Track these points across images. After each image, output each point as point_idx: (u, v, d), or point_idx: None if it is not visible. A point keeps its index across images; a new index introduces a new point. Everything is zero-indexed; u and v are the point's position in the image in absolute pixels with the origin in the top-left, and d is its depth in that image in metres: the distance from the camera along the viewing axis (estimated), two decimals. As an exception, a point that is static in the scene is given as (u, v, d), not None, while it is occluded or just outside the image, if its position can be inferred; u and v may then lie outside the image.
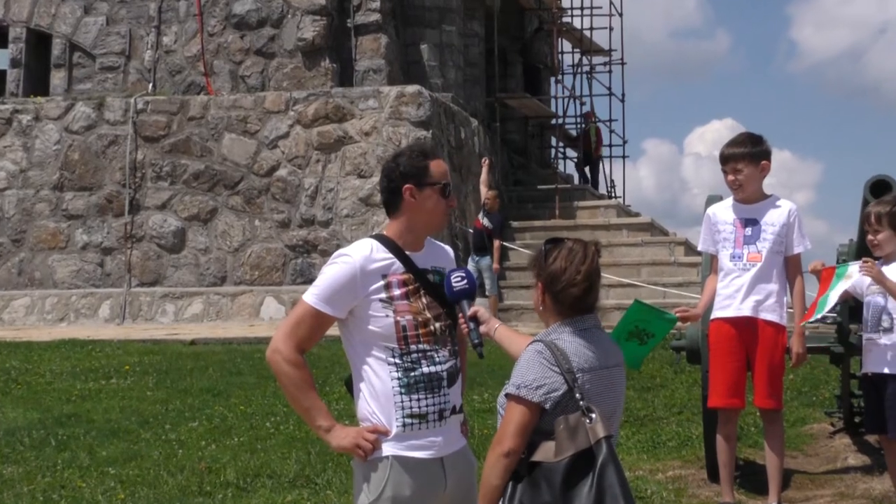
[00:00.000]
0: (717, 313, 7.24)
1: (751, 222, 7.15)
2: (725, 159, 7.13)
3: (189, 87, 21.32)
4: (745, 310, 7.10)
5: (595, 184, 26.41)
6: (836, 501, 7.69)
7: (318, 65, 20.79)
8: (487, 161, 19.34)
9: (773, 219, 7.12)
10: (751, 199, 7.19)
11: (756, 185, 7.16)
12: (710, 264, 7.44)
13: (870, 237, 6.94)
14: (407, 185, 4.24)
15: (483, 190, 18.55)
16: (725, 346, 7.19)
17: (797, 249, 7.15)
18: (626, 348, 6.13)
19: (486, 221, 17.84)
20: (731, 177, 7.12)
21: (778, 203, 7.19)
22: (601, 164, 27.22)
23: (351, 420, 4.43)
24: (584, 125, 26.46)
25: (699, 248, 7.58)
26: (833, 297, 6.95)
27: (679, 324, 6.86)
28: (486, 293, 17.47)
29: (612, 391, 4.02)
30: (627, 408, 9.49)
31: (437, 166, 4.29)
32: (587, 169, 26.90)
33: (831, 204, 72.16)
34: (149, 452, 9.42)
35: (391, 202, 4.30)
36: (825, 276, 7.04)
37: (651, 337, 6.27)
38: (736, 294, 7.13)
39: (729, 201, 7.33)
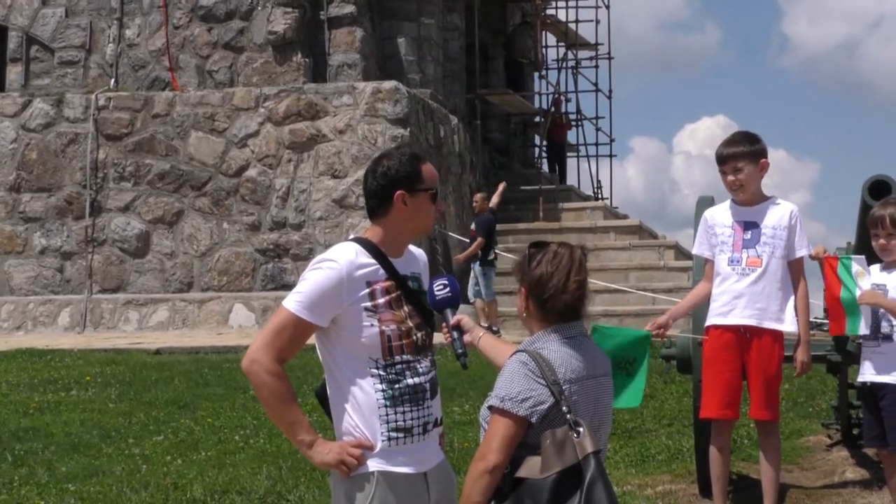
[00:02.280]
0: (714, 320, 7.09)
1: (750, 225, 7.03)
2: (724, 159, 6.98)
3: (153, 82, 21.13)
4: (745, 318, 6.96)
5: (563, 176, 26.35)
6: (833, 517, 7.68)
7: (290, 59, 20.63)
8: (503, 185, 19.34)
9: (774, 221, 7.00)
10: (750, 200, 7.06)
11: (756, 185, 7.05)
12: (703, 269, 7.28)
13: (882, 241, 6.81)
14: (399, 191, 4.18)
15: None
16: (721, 355, 7.05)
17: (800, 253, 7.03)
18: (616, 386, 5.80)
19: (473, 224, 17.87)
20: (731, 177, 6.97)
21: (778, 204, 7.08)
22: (565, 153, 27.21)
23: (324, 434, 4.33)
24: (553, 111, 26.07)
25: (693, 252, 7.45)
26: (863, 321, 6.81)
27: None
28: (483, 297, 17.55)
29: (599, 402, 3.99)
30: (615, 419, 9.46)
31: (429, 170, 4.24)
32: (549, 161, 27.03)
33: (828, 205, 71.98)
34: (111, 468, 9.35)
35: (379, 207, 4.23)
36: (829, 268, 6.94)
37: (632, 363, 6.14)
38: (735, 301, 7.00)
39: (726, 204, 7.19)
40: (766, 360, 6.99)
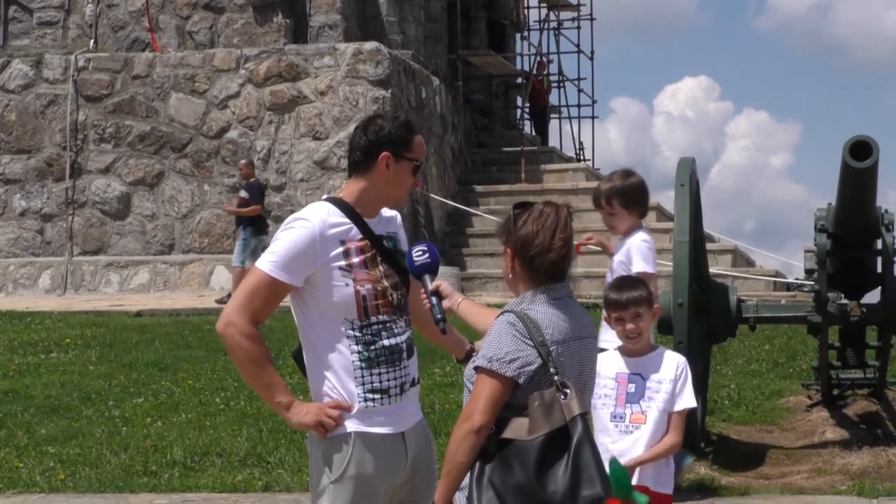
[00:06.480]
0: None
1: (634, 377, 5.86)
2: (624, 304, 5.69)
3: (133, 43, 20.93)
4: None
5: (546, 140, 26.30)
6: (814, 477, 7.76)
7: (271, 20, 20.42)
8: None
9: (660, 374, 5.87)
10: (639, 350, 5.90)
11: (648, 333, 5.98)
12: None
13: (606, 222, 6.66)
14: (385, 152, 4.14)
15: None
16: None
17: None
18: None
19: (244, 191, 17.07)
20: (630, 325, 5.64)
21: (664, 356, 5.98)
22: (549, 116, 27.12)
23: (304, 396, 4.32)
24: (536, 74, 25.83)
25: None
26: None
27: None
28: (237, 263, 16.54)
29: (584, 364, 3.98)
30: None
31: (419, 142, 4.23)
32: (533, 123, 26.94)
33: (810, 167, 71.86)
34: (91, 430, 9.39)
35: (361, 162, 4.17)
36: None
37: None
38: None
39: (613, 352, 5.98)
40: None
